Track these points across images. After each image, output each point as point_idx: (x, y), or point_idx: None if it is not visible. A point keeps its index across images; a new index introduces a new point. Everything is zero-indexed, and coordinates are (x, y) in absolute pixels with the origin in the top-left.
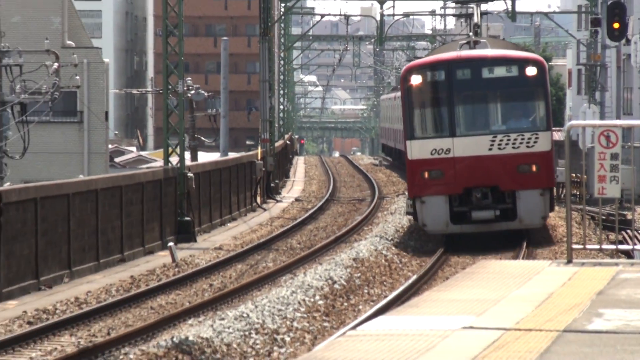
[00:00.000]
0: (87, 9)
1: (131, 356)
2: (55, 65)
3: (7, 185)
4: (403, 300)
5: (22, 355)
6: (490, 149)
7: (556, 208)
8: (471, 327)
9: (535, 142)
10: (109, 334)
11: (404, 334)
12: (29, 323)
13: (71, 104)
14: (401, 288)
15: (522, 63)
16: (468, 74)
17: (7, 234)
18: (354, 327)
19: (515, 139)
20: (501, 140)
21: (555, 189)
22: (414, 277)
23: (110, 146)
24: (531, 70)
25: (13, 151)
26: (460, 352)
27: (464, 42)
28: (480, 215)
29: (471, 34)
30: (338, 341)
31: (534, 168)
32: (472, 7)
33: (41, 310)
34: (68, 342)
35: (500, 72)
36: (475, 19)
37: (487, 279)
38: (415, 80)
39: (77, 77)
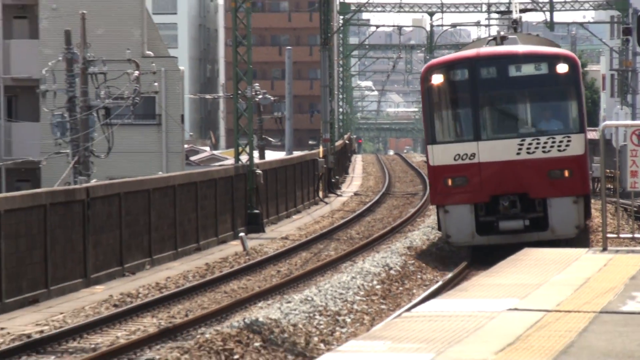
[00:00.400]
0: (164, 22)
1: (207, 335)
2: (136, 73)
3: (94, 182)
4: (453, 285)
5: (109, 334)
6: (518, 154)
7: (592, 200)
8: (515, 309)
9: (567, 145)
10: (186, 315)
11: (455, 315)
12: (115, 306)
13: (150, 108)
14: (451, 274)
15: (553, 60)
16: (494, 72)
17: (94, 226)
18: (409, 309)
19: (545, 142)
20: (530, 144)
21: (591, 196)
22: (463, 264)
23: (185, 146)
24: (562, 68)
25: (99, 151)
26: (506, 331)
27: (491, 38)
28: (509, 225)
29: (498, 31)
30: (394, 322)
31: (566, 173)
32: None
33: (125, 294)
34: (150, 322)
35: (528, 69)
36: (514, 14)
37: (529, 265)
38: (436, 79)
39: (156, 84)
